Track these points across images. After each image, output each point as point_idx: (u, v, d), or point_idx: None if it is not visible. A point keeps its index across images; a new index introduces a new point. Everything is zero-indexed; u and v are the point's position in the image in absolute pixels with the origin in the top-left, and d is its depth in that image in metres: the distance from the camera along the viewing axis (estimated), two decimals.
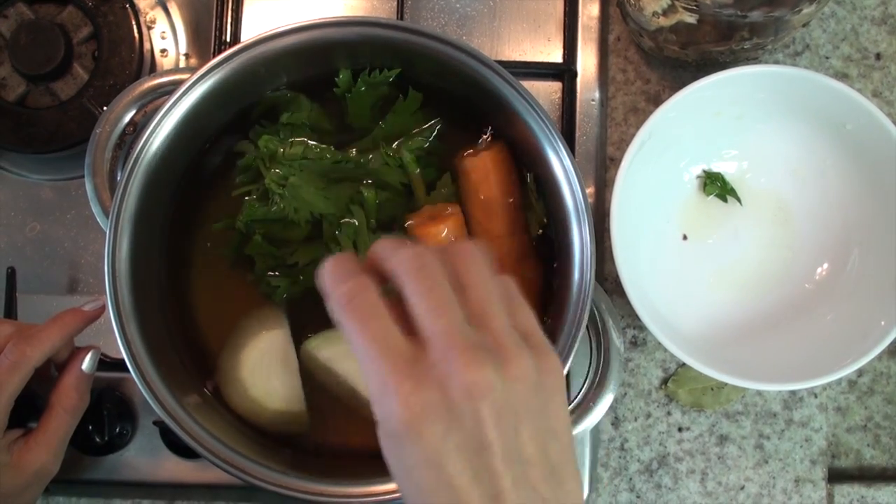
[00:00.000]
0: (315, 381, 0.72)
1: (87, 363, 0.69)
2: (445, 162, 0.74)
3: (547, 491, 0.45)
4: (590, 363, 0.70)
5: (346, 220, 0.71)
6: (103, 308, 0.69)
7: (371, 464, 0.70)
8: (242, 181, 0.73)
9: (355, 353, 0.46)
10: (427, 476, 0.44)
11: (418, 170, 0.72)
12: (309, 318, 0.73)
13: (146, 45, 0.83)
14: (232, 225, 0.72)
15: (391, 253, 0.47)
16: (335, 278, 0.47)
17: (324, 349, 0.71)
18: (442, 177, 0.73)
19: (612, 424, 0.83)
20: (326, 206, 0.71)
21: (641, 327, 0.84)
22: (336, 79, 0.72)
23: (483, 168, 0.71)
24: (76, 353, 0.69)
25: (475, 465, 0.44)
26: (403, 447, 0.44)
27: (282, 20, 0.69)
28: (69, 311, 0.68)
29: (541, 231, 0.73)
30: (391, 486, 0.65)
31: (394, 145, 0.73)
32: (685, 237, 0.82)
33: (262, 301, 0.73)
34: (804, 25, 0.77)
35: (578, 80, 0.83)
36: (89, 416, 0.76)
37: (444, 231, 0.69)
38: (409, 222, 0.71)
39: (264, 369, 0.71)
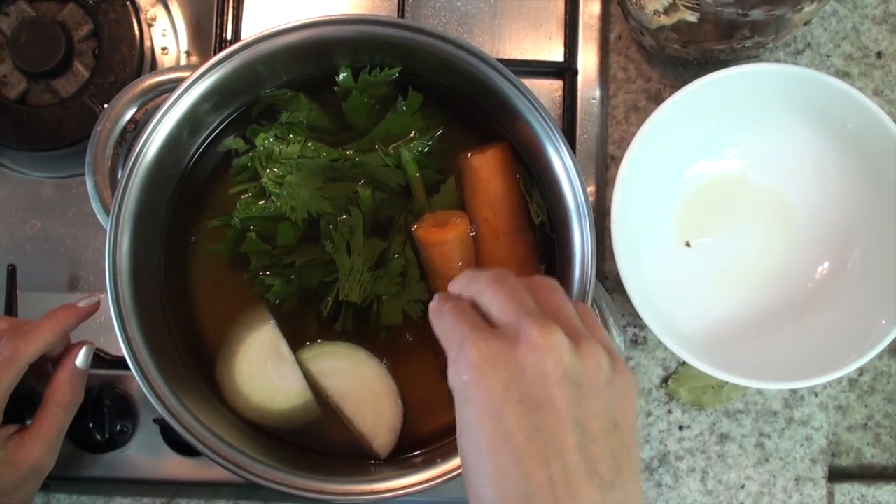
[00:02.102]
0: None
1: (81, 358, 0.69)
2: (445, 162, 0.74)
3: (606, 473, 0.44)
4: None
5: (343, 217, 0.71)
6: (98, 304, 0.70)
7: (371, 463, 0.71)
8: (240, 180, 0.73)
9: (444, 346, 0.49)
10: (485, 429, 0.44)
11: (418, 172, 0.72)
12: (306, 319, 0.73)
13: (147, 43, 0.83)
14: (228, 222, 0.72)
15: (476, 273, 0.51)
16: (437, 302, 0.51)
17: (315, 362, 0.72)
18: (446, 180, 0.73)
19: None
20: (323, 206, 0.71)
21: (642, 326, 0.84)
22: (336, 77, 0.72)
23: (491, 165, 0.71)
24: (70, 348, 0.70)
25: (535, 421, 0.43)
26: (467, 398, 0.45)
27: (282, 18, 0.69)
28: (63, 308, 0.68)
29: (542, 229, 0.73)
30: (391, 485, 0.65)
31: (392, 146, 0.72)
32: (688, 244, 0.82)
33: (258, 299, 0.73)
34: (805, 24, 0.77)
35: (579, 78, 0.83)
36: (90, 414, 0.76)
37: (450, 237, 0.69)
38: (414, 228, 0.71)
39: (260, 372, 0.71)
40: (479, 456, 0.44)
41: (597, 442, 0.44)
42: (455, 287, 0.52)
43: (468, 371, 0.45)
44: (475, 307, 0.50)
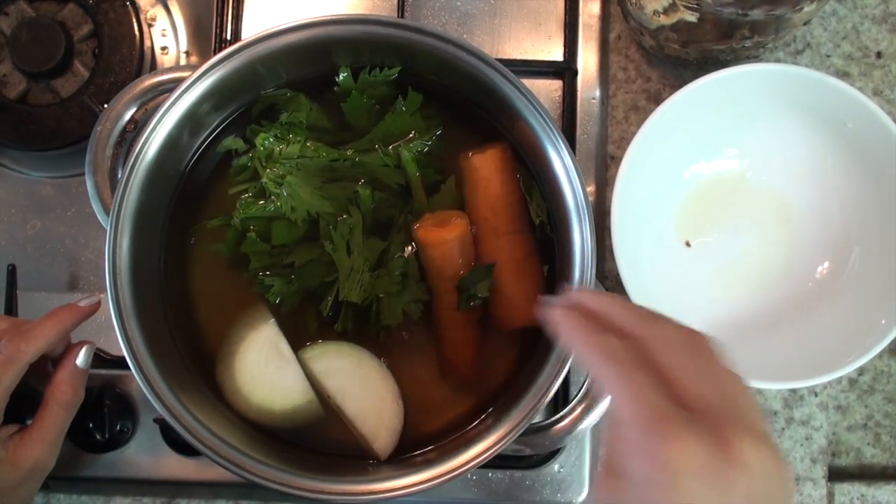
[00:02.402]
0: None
1: (81, 358, 0.69)
2: (445, 162, 0.74)
3: None
4: None
5: (343, 218, 0.71)
6: (98, 304, 0.69)
7: (370, 463, 0.71)
8: (239, 180, 0.73)
9: (612, 399, 0.45)
10: None
11: (418, 172, 0.72)
12: (306, 319, 0.73)
13: (147, 43, 0.83)
14: (228, 222, 0.72)
15: (652, 322, 0.48)
16: (580, 327, 0.48)
17: (317, 362, 0.71)
18: (446, 180, 0.73)
19: None
20: (323, 205, 0.71)
21: None
22: (336, 77, 0.72)
23: (491, 165, 0.71)
24: (71, 348, 0.70)
25: None
26: (646, 498, 0.42)
27: (282, 18, 0.69)
28: (64, 307, 0.68)
29: (542, 229, 0.73)
30: (391, 485, 0.65)
31: (392, 146, 0.72)
32: (688, 244, 0.82)
33: (258, 299, 0.73)
34: (805, 24, 0.77)
35: (579, 78, 0.83)
36: (90, 414, 0.76)
37: (450, 237, 0.69)
38: (415, 227, 0.71)
39: (261, 371, 0.71)
40: None
41: None
42: (628, 316, 0.48)
43: (660, 471, 0.41)
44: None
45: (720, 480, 0.40)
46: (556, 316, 0.50)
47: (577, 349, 0.48)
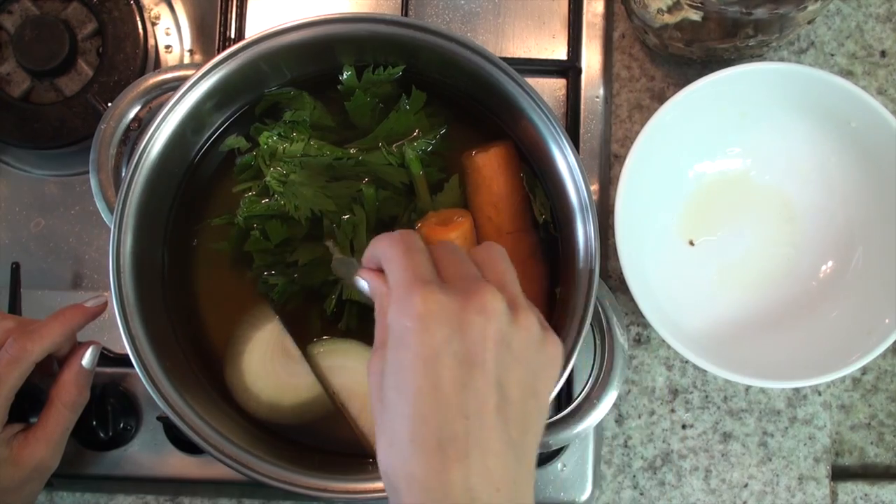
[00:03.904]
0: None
1: (87, 359, 0.69)
2: (448, 161, 0.74)
3: (516, 433, 0.48)
4: (594, 360, 0.70)
5: (346, 216, 0.71)
6: (105, 305, 0.70)
7: (370, 461, 0.71)
8: (243, 178, 0.73)
9: (388, 276, 0.51)
10: (417, 375, 0.47)
11: (422, 171, 0.72)
12: (309, 318, 0.73)
13: (150, 42, 0.83)
14: (231, 220, 0.72)
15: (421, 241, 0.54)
16: (391, 236, 0.53)
17: (325, 358, 0.72)
18: (449, 179, 0.73)
19: (616, 421, 0.83)
20: (326, 204, 0.71)
21: (645, 325, 0.84)
22: (340, 76, 0.72)
23: (494, 164, 0.71)
24: (77, 348, 0.69)
25: (464, 378, 0.47)
26: (404, 342, 0.48)
27: (286, 16, 0.69)
28: (71, 307, 0.68)
29: (545, 228, 0.73)
30: None
31: (396, 144, 0.73)
32: (692, 243, 0.82)
33: (262, 298, 0.73)
34: (809, 23, 0.77)
35: (583, 77, 0.83)
36: (93, 412, 0.76)
37: (454, 237, 0.69)
38: (418, 226, 0.71)
39: (268, 370, 0.71)
40: (404, 397, 0.47)
41: (514, 406, 0.48)
42: (406, 236, 0.53)
43: (412, 319, 0.47)
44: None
45: (459, 320, 0.47)
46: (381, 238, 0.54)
47: (376, 241, 0.54)
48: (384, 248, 0.52)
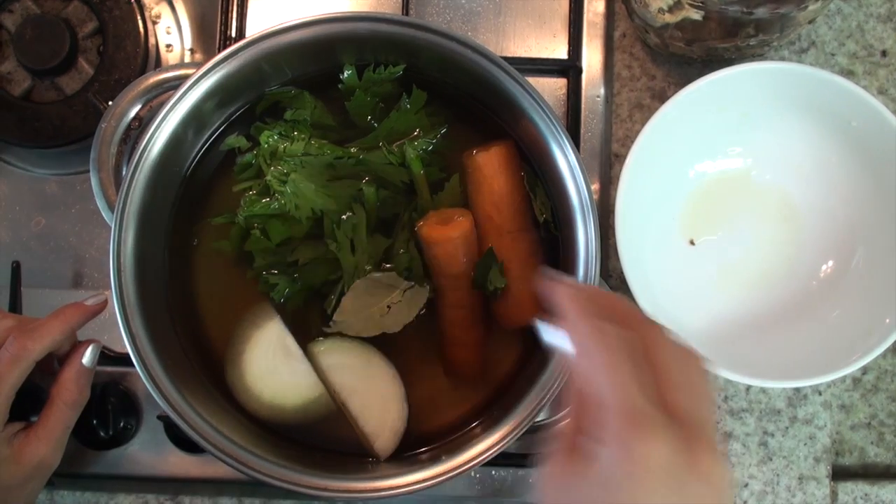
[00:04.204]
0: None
1: (87, 357, 0.69)
2: (449, 160, 0.74)
3: None
4: None
5: (347, 216, 0.71)
6: (105, 303, 0.70)
7: (370, 461, 0.71)
8: (244, 177, 0.73)
9: (597, 384, 0.46)
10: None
11: (422, 170, 0.72)
12: (310, 317, 0.73)
13: (151, 40, 0.83)
14: (232, 220, 0.72)
15: (652, 324, 0.50)
16: (581, 304, 0.48)
17: (327, 357, 0.72)
18: (450, 178, 0.73)
19: None
20: (327, 203, 0.71)
21: None
22: (340, 75, 0.72)
23: (495, 163, 0.71)
24: (77, 347, 0.69)
25: None
26: (619, 489, 0.44)
27: (287, 15, 0.69)
28: (71, 306, 0.68)
29: (546, 227, 0.73)
30: (395, 482, 0.65)
31: (396, 144, 0.72)
32: (692, 242, 0.82)
33: (262, 297, 0.73)
34: (810, 22, 0.77)
35: (583, 76, 0.83)
36: (94, 411, 0.76)
37: (454, 235, 0.69)
38: (419, 225, 0.71)
39: (269, 369, 0.71)
40: None
41: None
42: (609, 329, 0.48)
43: (633, 466, 0.44)
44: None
45: (680, 485, 0.44)
46: (561, 289, 0.50)
47: (572, 326, 0.49)
48: (586, 338, 0.47)
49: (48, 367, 0.70)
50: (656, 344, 0.48)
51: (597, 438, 0.45)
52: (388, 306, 0.70)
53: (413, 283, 0.71)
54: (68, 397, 0.68)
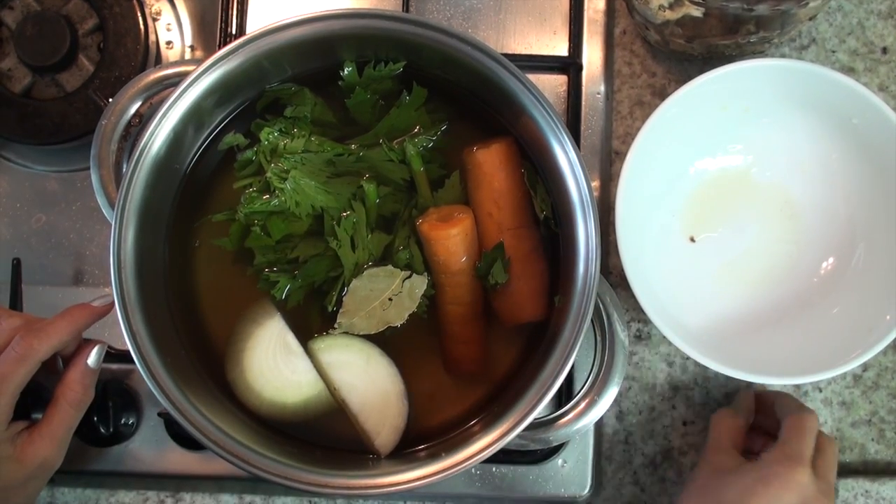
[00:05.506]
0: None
1: (92, 358, 0.69)
2: (449, 157, 0.74)
3: None
4: (594, 356, 0.70)
5: (347, 213, 0.71)
6: (112, 305, 0.69)
7: (370, 458, 0.71)
8: (244, 174, 0.73)
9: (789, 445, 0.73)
10: None
11: (423, 167, 0.72)
12: (311, 314, 0.73)
13: (151, 37, 0.83)
14: (232, 217, 0.72)
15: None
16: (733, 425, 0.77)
17: (327, 354, 0.72)
18: (450, 175, 0.73)
19: (617, 418, 0.83)
20: (328, 200, 0.71)
21: (646, 321, 0.84)
22: (340, 72, 0.72)
23: (495, 160, 0.71)
24: (82, 347, 0.70)
25: None
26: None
27: (287, 12, 0.69)
28: (78, 307, 0.68)
29: (546, 224, 0.73)
30: (395, 479, 0.65)
31: (396, 141, 0.73)
32: (692, 239, 0.82)
33: (263, 294, 0.73)
34: (810, 19, 0.77)
35: (584, 73, 0.83)
36: (95, 408, 0.76)
37: (454, 232, 0.69)
38: (419, 222, 0.71)
39: (270, 367, 0.71)
40: None
41: None
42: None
43: (789, 491, 0.69)
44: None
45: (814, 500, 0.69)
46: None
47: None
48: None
49: (52, 367, 0.70)
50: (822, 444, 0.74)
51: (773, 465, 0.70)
52: (390, 298, 0.70)
53: (410, 272, 0.71)
54: (73, 398, 0.68)
